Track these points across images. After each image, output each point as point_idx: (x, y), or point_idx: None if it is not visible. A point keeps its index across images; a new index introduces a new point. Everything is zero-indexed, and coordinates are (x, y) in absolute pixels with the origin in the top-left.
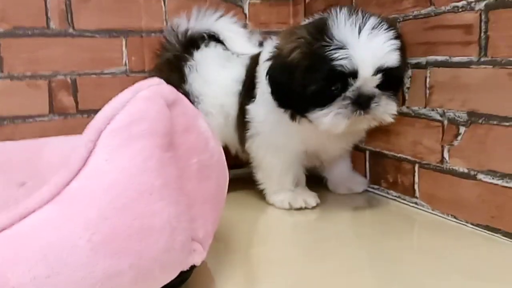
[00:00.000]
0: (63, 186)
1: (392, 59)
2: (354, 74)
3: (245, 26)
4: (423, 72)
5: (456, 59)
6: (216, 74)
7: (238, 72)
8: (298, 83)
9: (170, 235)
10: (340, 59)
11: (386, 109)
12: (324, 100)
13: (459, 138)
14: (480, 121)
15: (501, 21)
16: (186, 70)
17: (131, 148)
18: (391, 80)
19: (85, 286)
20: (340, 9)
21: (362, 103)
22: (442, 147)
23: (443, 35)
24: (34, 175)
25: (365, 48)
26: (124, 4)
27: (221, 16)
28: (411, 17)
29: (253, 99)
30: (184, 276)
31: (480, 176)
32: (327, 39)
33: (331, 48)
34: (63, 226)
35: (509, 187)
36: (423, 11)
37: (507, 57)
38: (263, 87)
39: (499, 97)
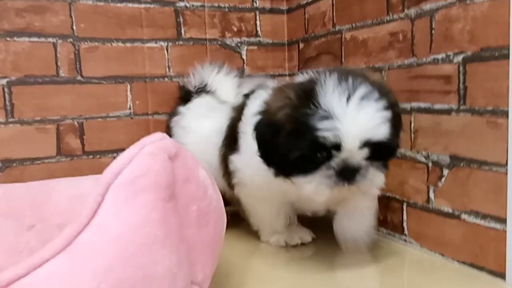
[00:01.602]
0: (73, 237)
1: (381, 132)
2: (338, 147)
3: (240, 74)
4: (408, 117)
5: (437, 106)
6: (197, 123)
7: (220, 122)
8: (282, 145)
9: (172, 281)
10: (325, 130)
11: (372, 182)
12: (307, 166)
13: (443, 179)
14: (461, 164)
15: (478, 74)
16: (172, 124)
17: (136, 201)
18: (381, 151)
19: None
20: (330, 74)
21: (347, 175)
22: (428, 187)
23: (425, 84)
24: (42, 218)
25: (352, 120)
26: (129, 53)
27: (219, 71)
28: (395, 66)
29: (236, 151)
30: None
31: (464, 216)
32: (313, 106)
33: (316, 117)
34: (73, 276)
35: (491, 228)
36: (406, 62)
37: (484, 106)
38: (246, 138)
39: (478, 143)
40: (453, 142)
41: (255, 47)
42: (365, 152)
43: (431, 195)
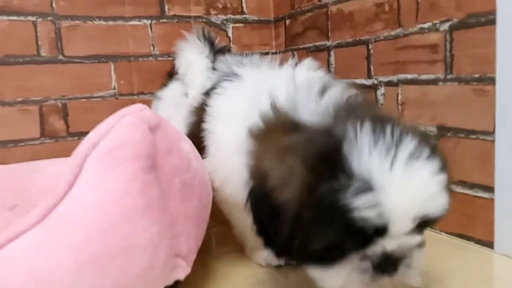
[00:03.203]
0: (50, 209)
1: (440, 203)
2: (382, 231)
3: (228, 49)
4: (395, 89)
5: (424, 76)
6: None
7: (179, 126)
8: (289, 233)
9: (153, 252)
10: (364, 208)
11: (417, 270)
12: (331, 256)
13: None
14: (448, 134)
15: (464, 41)
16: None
17: (115, 172)
18: (428, 224)
19: None
20: (361, 124)
21: (388, 267)
22: None
23: (412, 55)
24: (24, 198)
25: (402, 190)
26: (112, 31)
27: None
28: (382, 38)
29: (204, 155)
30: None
31: (451, 187)
32: (343, 177)
33: (350, 191)
34: (50, 248)
35: (478, 197)
36: (392, 33)
37: (470, 74)
38: (215, 139)
39: (465, 112)
40: (440, 112)
41: (241, 25)
42: (415, 232)
43: None
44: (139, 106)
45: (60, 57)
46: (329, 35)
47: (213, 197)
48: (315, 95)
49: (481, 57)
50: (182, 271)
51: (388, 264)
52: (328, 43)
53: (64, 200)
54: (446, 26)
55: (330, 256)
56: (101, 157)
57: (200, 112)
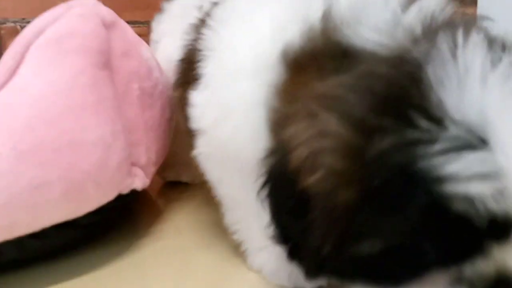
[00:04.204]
0: None
1: None
2: (501, 230)
3: None
4: None
5: None
6: (164, 40)
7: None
8: (323, 235)
9: (105, 151)
10: (468, 180)
11: None
12: (395, 270)
13: None
14: None
15: None
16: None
17: (62, 62)
18: None
19: (11, 194)
20: (466, 34)
21: None
22: None
23: None
24: None
25: None
26: None
27: None
28: None
29: (196, 83)
30: (125, 200)
31: None
32: (424, 122)
33: (440, 147)
34: None
35: None
36: None
37: None
38: (214, 60)
39: None
40: None
41: None
42: None
43: None
44: (91, 0)
45: None
46: None
47: (200, 154)
48: (396, 5)
49: None
50: (139, 181)
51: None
52: None
53: (5, 87)
54: None
55: (393, 269)
56: (46, 46)
57: (200, 25)
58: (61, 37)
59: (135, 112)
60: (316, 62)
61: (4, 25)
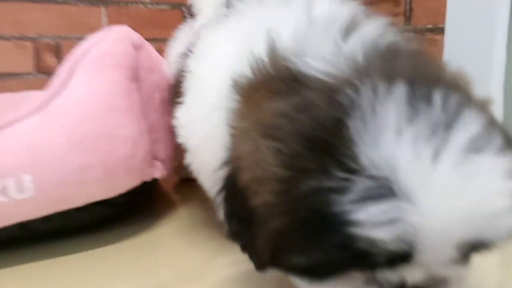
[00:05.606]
0: (46, 102)
1: (507, 224)
2: (403, 258)
3: None
4: None
5: None
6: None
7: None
8: (266, 245)
9: (133, 144)
10: (373, 225)
11: None
12: (322, 273)
13: None
14: None
15: None
16: None
17: (102, 74)
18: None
19: (64, 173)
20: (390, 83)
21: None
22: None
23: (376, 9)
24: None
25: (449, 200)
26: None
27: None
28: None
29: (180, 101)
30: (147, 186)
31: None
32: (340, 170)
33: (352, 193)
34: (45, 129)
35: None
36: None
37: (424, 25)
38: (195, 82)
39: None
40: None
41: None
42: (457, 262)
43: None
44: (125, 27)
45: None
46: None
47: (192, 167)
48: (336, 34)
49: (435, 10)
50: (158, 172)
51: None
52: None
53: (60, 95)
54: None
55: (321, 272)
56: (91, 63)
57: (190, 50)
58: (102, 56)
59: (157, 116)
60: (268, 85)
61: (40, 41)
